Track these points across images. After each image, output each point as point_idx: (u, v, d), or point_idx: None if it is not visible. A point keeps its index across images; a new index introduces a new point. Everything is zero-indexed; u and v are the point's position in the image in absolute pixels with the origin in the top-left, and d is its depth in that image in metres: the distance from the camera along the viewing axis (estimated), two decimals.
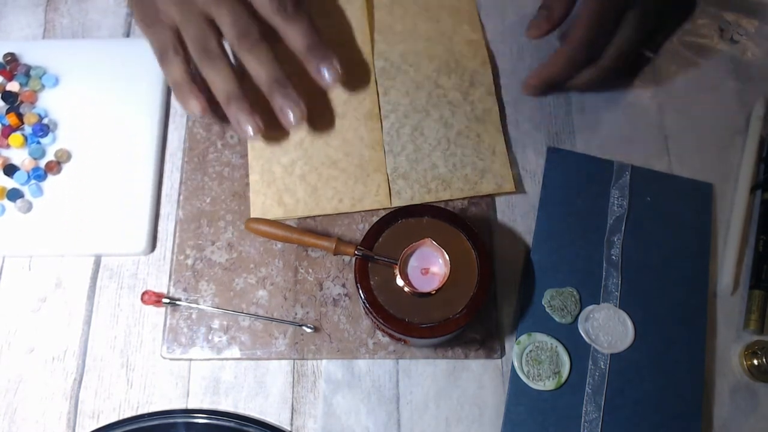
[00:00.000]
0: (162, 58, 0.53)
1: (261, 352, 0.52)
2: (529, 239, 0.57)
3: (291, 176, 0.57)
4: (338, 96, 0.59)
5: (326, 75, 0.53)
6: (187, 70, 0.52)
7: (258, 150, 0.58)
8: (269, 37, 0.52)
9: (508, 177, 0.57)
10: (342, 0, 0.62)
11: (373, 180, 0.57)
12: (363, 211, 0.56)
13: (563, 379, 0.52)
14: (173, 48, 0.52)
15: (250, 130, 0.52)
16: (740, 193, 0.59)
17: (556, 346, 0.53)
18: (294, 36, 0.52)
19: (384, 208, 0.56)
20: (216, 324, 0.53)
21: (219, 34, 0.52)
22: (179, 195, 0.57)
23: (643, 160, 0.60)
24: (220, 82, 0.52)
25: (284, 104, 0.52)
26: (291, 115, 0.52)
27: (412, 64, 0.61)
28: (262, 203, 0.56)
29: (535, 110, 0.61)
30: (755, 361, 0.53)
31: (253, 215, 0.56)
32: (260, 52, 0.51)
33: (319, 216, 0.56)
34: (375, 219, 0.52)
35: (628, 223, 0.56)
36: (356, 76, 0.60)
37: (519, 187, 0.58)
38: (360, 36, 0.61)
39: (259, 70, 0.52)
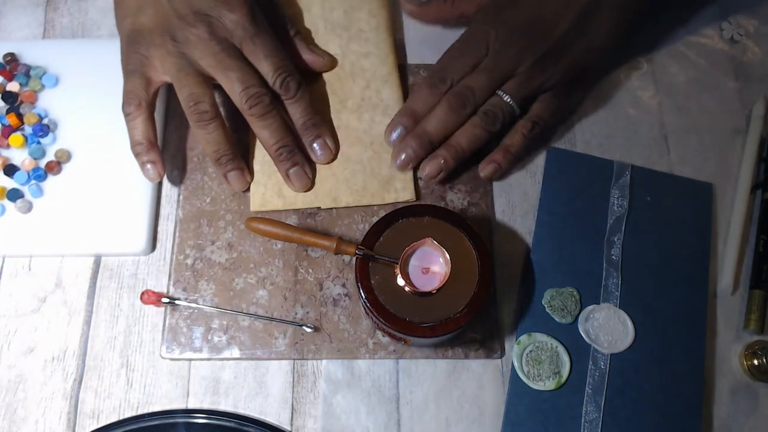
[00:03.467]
0: (125, 109, 0.54)
1: (261, 352, 0.52)
2: (529, 239, 0.57)
3: None
4: (340, 92, 0.59)
5: (317, 151, 0.56)
6: (148, 131, 0.54)
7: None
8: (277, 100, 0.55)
9: (409, 187, 0.57)
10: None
11: (374, 176, 0.57)
12: (362, 206, 0.57)
13: (563, 379, 0.52)
14: (137, 103, 0.54)
15: (240, 186, 0.57)
16: (740, 193, 0.59)
17: (556, 346, 0.53)
18: (293, 113, 0.56)
19: (384, 204, 0.57)
20: (216, 324, 0.53)
21: (212, 93, 0.54)
22: (179, 195, 0.57)
23: (643, 160, 0.60)
24: (212, 144, 0.55)
25: (291, 170, 0.56)
26: (297, 181, 0.56)
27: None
28: (262, 194, 0.56)
29: None
30: (755, 361, 0.53)
31: (252, 206, 0.56)
32: (270, 121, 0.54)
33: (318, 210, 0.56)
34: (375, 219, 0.53)
35: (628, 223, 0.56)
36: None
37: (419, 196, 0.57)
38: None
39: (268, 137, 0.55)
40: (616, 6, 0.57)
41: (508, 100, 0.56)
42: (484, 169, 0.57)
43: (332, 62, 0.60)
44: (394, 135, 0.57)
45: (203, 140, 0.55)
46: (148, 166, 0.54)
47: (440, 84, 0.56)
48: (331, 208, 0.56)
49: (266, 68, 0.54)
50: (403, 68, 0.62)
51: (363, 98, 0.59)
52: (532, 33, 0.56)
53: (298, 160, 0.55)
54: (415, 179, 0.57)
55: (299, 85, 0.55)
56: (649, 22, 0.65)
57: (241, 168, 0.56)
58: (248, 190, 0.57)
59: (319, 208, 0.56)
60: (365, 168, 0.57)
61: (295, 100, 0.55)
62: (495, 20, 0.57)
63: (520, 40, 0.56)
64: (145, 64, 0.54)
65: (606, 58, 0.60)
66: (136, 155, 0.55)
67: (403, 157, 0.56)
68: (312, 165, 0.57)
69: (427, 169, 0.56)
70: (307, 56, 0.59)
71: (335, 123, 0.58)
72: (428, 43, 0.63)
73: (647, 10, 0.63)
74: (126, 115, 0.54)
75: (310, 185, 0.56)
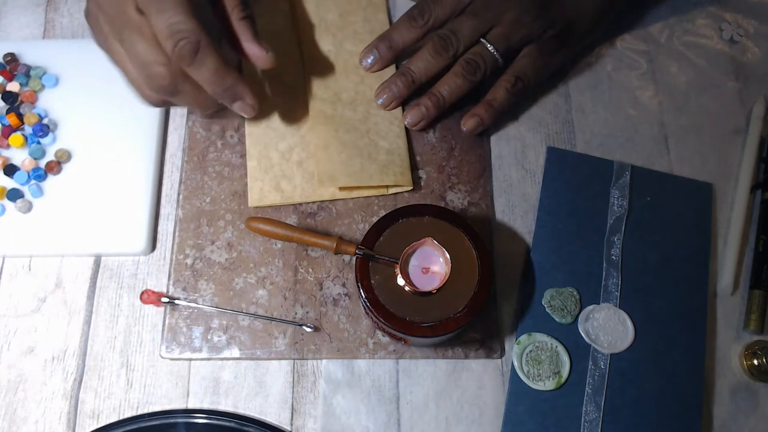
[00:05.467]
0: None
1: (261, 351, 0.52)
2: (529, 239, 0.57)
3: (288, 162, 0.57)
4: (334, 86, 0.59)
5: (242, 113, 0.53)
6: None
7: (255, 136, 0.58)
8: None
9: (406, 174, 0.57)
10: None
11: (371, 161, 0.57)
12: (360, 197, 0.57)
13: (563, 379, 0.52)
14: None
15: (251, 110, 0.52)
16: (740, 193, 0.59)
17: (556, 346, 0.53)
18: (201, 82, 0.49)
19: (382, 195, 0.57)
20: (215, 323, 0.53)
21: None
22: (179, 195, 0.57)
23: (643, 160, 0.60)
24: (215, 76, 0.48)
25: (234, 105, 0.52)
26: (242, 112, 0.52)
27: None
28: (260, 189, 0.56)
29: (535, 110, 0.61)
30: (755, 361, 0.53)
31: (250, 202, 0.56)
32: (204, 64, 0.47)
33: (317, 209, 0.56)
34: (375, 219, 0.53)
35: (628, 223, 0.56)
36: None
37: (415, 185, 0.58)
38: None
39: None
40: None
41: (492, 49, 0.56)
42: (467, 123, 0.58)
43: (275, 61, 0.52)
44: (368, 60, 0.59)
45: (202, 79, 0.48)
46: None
47: (419, 17, 0.57)
48: (331, 204, 0.56)
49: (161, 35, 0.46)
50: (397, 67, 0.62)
51: (357, 92, 0.59)
52: None
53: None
54: (412, 168, 0.58)
55: (196, 49, 0.46)
56: (647, 14, 0.65)
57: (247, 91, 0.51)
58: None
59: (319, 202, 0.56)
60: (362, 153, 0.57)
61: (198, 67, 0.47)
62: None
63: None
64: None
65: (594, 20, 0.60)
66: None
67: (387, 94, 0.58)
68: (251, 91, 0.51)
69: (409, 117, 0.58)
70: (249, 47, 0.51)
71: (330, 113, 0.58)
72: None
73: None
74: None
75: (254, 110, 0.52)
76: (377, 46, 0.59)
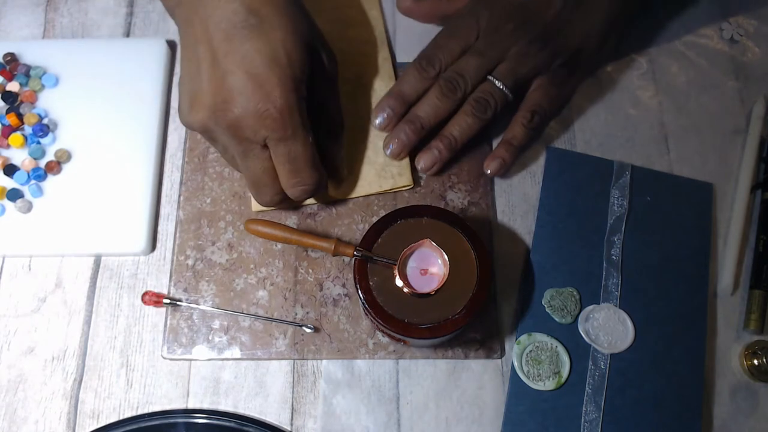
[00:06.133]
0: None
1: (261, 352, 0.53)
2: (529, 239, 0.57)
3: None
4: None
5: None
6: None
7: None
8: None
9: (405, 174, 0.57)
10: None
11: (370, 165, 0.57)
12: (360, 197, 0.57)
13: (563, 379, 0.52)
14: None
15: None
16: (740, 193, 0.59)
17: (556, 346, 0.53)
18: None
19: (382, 193, 0.57)
20: (216, 324, 0.53)
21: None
22: (179, 195, 0.57)
23: (643, 160, 0.60)
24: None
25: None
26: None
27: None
28: None
29: None
30: (755, 361, 0.53)
31: (254, 207, 0.56)
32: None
33: (317, 210, 0.56)
34: (375, 219, 0.53)
35: (628, 223, 0.56)
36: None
37: (415, 183, 0.57)
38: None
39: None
40: None
41: (500, 85, 0.55)
42: (490, 166, 0.56)
43: (346, 191, 0.56)
44: (381, 118, 0.56)
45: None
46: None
47: (428, 67, 0.55)
48: (331, 204, 0.57)
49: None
50: (394, 68, 0.62)
51: (357, 89, 0.59)
52: (524, 14, 0.55)
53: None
54: (412, 164, 0.57)
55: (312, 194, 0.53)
56: (647, 16, 0.65)
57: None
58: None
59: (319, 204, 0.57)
60: (361, 157, 0.57)
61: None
62: (485, 2, 0.56)
63: (511, 21, 0.55)
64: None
65: (601, 42, 0.59)
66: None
67: (395, 143, 0.56)
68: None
69: (422, 162, 0.56)
70: (330, 169, 0.55)
71: None
72: (417, 40, 0.62)
73: None
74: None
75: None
76: (389, 103, 0.56)
